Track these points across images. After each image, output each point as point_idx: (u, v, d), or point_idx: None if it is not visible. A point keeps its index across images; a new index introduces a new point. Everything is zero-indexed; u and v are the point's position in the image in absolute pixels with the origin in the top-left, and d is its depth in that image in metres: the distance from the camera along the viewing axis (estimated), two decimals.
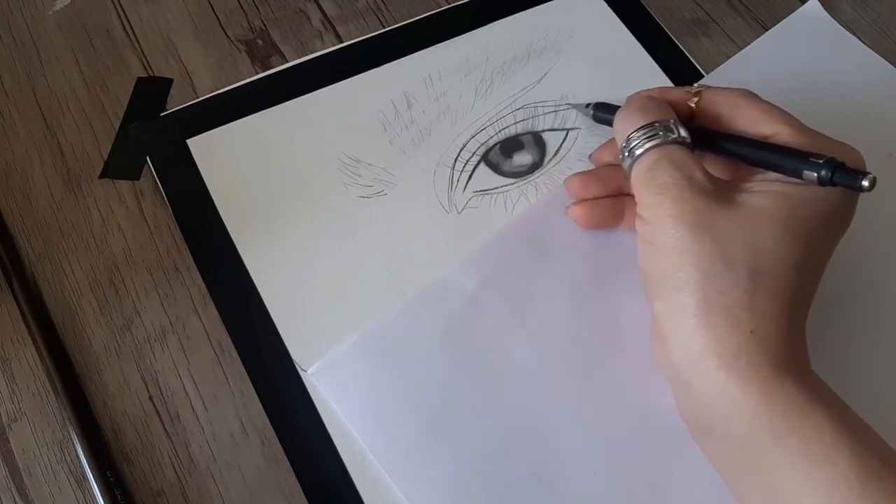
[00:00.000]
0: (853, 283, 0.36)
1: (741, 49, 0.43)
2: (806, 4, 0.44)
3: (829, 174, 0.27)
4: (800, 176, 0.28)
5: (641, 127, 0.30)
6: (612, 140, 0.35)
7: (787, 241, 0.27)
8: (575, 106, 0.40)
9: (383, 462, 0.32)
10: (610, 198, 0.35)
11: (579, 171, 0.36)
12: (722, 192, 0.28)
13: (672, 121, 0.30)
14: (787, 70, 0.42)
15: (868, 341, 0.35)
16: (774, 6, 0.44)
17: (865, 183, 0.26)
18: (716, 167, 0.32)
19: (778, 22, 0.44)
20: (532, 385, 0.34)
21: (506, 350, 0.34)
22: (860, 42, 0.43)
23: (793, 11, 0.44)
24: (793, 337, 0.27)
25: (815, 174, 0.27)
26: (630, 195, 0.34)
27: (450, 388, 0.33)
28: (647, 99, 0.31)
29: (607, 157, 0.36)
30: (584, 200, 0.36)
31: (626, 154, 0.30)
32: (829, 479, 0.24)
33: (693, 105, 0.32)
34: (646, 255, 0.29)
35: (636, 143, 0.30)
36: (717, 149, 0.31)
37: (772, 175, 0.29)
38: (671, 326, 0.28)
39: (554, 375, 0.34)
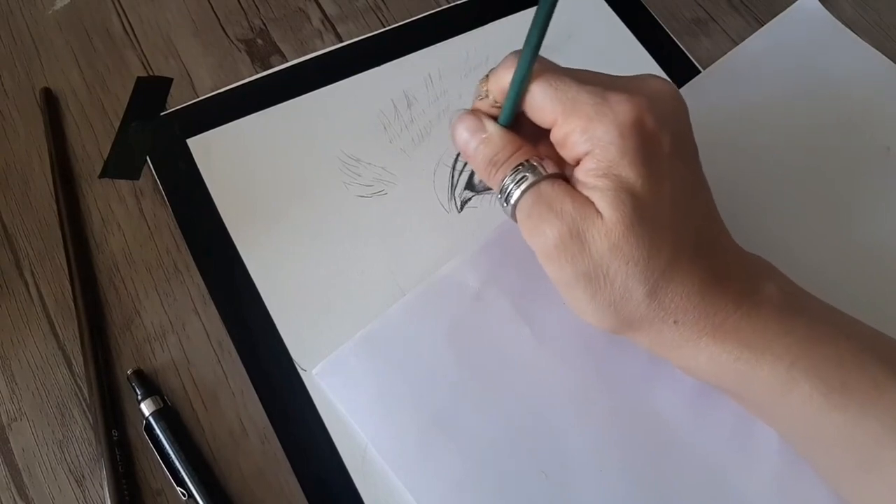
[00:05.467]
0: (857, 277, 0.36)
1: None
2: None
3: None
4: None
5: (509, 173, 0.30)
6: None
7: (631, 230, 0.27)
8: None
9: (390, 460, 0.32)
10: None
11: None
12: (586, 213, 0.28)
13: (534, 159, 0.30)
14: (784, 64, 0.42)
15: None
16: (774, 5, 0.44)
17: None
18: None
19: None
20: (537, 381, 0.34)
21: (510, 346, 0.34)
22: (857, 36, 0.43)
23: None
24: (699, 288, 0.28)
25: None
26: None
27: (455, 385, 0.33)
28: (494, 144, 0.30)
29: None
30: None
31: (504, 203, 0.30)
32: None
33: (495, 103, 0.31)
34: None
35: (511, 187, 0.30)
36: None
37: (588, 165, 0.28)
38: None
39: (559, 371, 0.34)
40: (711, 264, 0.29)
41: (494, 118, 0.31)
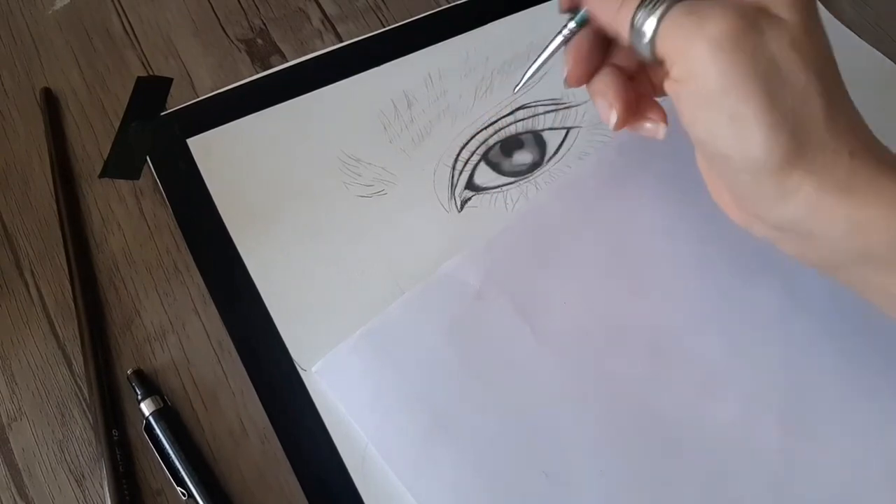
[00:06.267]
0: None
1: None
2: None
3: None
4: None
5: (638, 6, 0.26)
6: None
7: (812, 33, 0.25)
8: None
9: (389, 459, 0.32)
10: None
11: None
12: (760, 7, 0.25)
13: None
14: None
15: None
16: None
17: None
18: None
19: None
20: (538, 381, 0.34)
21: (510, 346, 0.34)
22: (856, 36, 0.43)
23: None
24: (861, 124, 0.26)
25: None
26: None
27: (455, 384, 0.33)
28: None
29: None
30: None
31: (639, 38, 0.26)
32: None
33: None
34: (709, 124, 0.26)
35: (643, 19, 0.26)
36: None
37: None
38: (772, 190, 0.26)
39: (560, 372, 0.34)
40: (854, 111, 0.27)
41: None
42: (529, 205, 0.38)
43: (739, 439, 0.32)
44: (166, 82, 0.42)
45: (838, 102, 0.25)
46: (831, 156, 0.25)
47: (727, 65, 0.24)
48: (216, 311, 0.36)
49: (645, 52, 0.27)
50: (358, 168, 0.39)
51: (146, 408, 0.33)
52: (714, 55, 0.24)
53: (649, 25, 0.26)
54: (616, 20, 0.27)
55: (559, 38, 0.30)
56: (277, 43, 0.43)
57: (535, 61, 0.32)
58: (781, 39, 0.24)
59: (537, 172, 0.39)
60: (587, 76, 0.31)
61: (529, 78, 0.32)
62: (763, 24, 0.24)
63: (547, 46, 0.31)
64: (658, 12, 0.26)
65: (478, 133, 0.40)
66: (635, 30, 0.26)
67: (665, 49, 0.26)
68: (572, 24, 0.30)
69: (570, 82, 0.31)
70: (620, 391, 0.33)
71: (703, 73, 0.25)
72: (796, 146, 0.25)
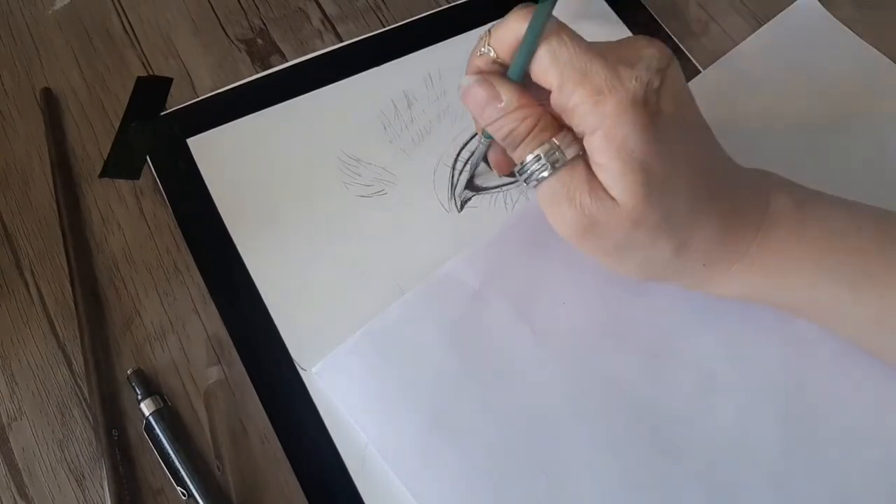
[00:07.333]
0: None
1: None
2: None
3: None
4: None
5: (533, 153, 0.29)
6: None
7: (636, 196, 0.28)
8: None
9: (389, 459, 0.32)
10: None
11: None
12: (603, 203, 0.28)
13: (556, 139, 0.29)
14: (783, 64, 0.42)
15: None
16: (774, 5, 0.44)
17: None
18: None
19: None
20: (537, 381, 0.34)
21: (510, 346, 0.34)
22: (855, 35, 0.43)
23: None
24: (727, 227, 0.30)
25: None
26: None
27: (454, 385, 0.34)
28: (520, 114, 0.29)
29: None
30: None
31: (525, 182, 0.30)
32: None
33: (496, 59, 0.30)
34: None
35: (533, 170, 0.29)
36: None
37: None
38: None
39: (559, 371, 0.34)
40: (726, 200, 0.29)
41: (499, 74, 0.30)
42: (529, 205, 0.38)
43: (739, 439, 0.32)
44: (166, 82, 0.42)
45: (690, 230, 0.29)
46: (688, 272, 0.30)
47: (580, 248, 0.30)
48: (216, 311, 0.36)
49: (522, 183, 0.31)
50: (358, 168, 0.39)
51: (146, 408, 0.33)
52: (569, 241, 0.30)
53: (532, 179, 0.29)
54: (506, 148, 0.30)
55: (481, 150, 0.35)
56: (277, 43, 0.43)
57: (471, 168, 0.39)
58: (623, 225, 0.28)
59: None
60: (510, 166, 0.34)
61: (468, 184, 0.39)
62: (601, 221, 0.28)
63: (476, 160, 0.37)
64: (545, 175, 0.29)
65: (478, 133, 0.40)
66: (521, 168, 0.30)
67: (539, 199, 0.30)
68: (485, 140, 0.34)
69: (500, 175, 0.36)
70: (620, 391, 0.33)
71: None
72: (651, 276, 0.31)
